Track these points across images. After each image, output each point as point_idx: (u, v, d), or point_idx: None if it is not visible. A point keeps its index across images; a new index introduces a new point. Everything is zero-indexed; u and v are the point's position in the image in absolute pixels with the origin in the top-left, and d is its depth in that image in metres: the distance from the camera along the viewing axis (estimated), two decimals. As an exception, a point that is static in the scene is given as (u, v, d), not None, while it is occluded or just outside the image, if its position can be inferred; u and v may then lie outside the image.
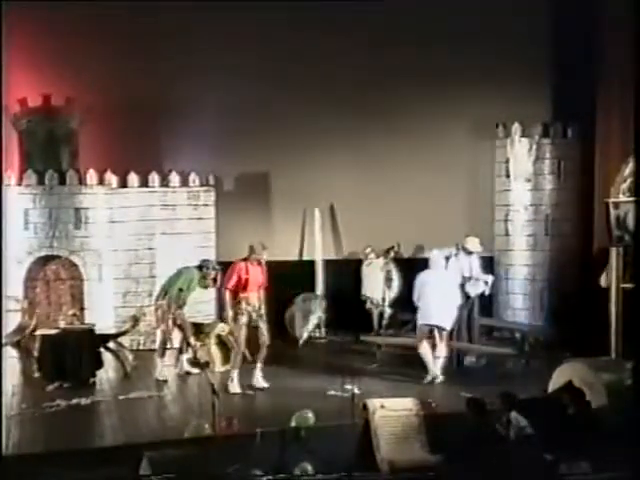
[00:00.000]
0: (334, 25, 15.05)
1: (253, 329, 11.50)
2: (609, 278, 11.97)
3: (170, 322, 12.29)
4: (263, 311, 11.60)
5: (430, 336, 11.93)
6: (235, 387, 11.31)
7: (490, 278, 12.98)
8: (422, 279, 12.02)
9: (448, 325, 11.96)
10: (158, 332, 12.70)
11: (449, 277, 12.19)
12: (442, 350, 11.91)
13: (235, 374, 11.37)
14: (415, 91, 15.48)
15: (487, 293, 12.93)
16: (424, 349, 11.85)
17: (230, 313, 11.39)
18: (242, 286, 11.38)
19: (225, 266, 13.02)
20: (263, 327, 11.56)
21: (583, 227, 15.20)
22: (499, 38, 15.39)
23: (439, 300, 11.83)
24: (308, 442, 8.81)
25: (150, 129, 14.65)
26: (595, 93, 14.83)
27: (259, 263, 11.54)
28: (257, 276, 11.50)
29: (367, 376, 11.62)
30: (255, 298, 11.49)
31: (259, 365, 11.56)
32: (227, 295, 11.41)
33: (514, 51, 15.41)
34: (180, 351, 12.54)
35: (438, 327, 11.91)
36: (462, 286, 12.55)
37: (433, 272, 12.05)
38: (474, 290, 12.70)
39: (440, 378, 11.77)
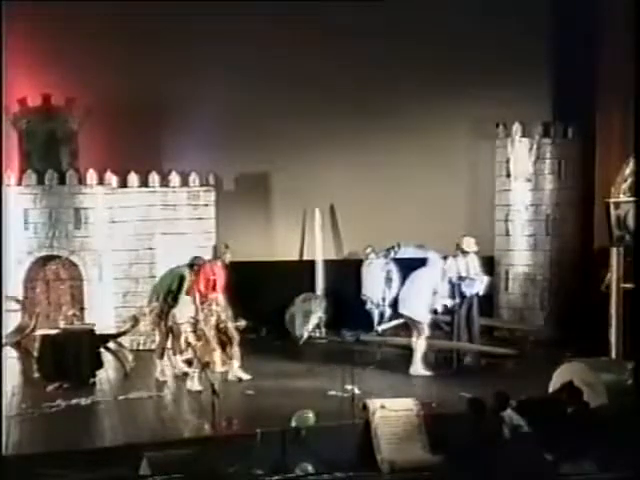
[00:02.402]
0: (334, 25, 15.05)
1: (222, 329, 11.86)
2: (609, 278, 11.98)
3: (165, 323, 12.28)
4: (230, 311, 11.93)
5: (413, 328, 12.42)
6: (195, 385, 11.38)
7: (485, 278, 13.01)
8: (411, 276, 12.62)
9: (420, 318, 12.29)
10: (157, 333, 12.68)
11: (431, 275, 12.39)
12: (420, 344, 12.26)
13: (197, 373, 11.47)
14: (415, 91, 15.49)
15: (482, 293, 12.96)
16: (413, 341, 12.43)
17: (201, 315, 11.68)
18: (211, 287, 11.71)
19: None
20: (231, 326, 11.90)
21: (583, 227, 15.19)
22: (499, 38, 15.40)
23: (415, 294, 12.33)
24: (308, 442, 8.80)
25: (150, 129, 14.64)
26: (595, 93, 14.83)
27: (224, 264, 11.87)
28: (222, 277, 11.84)
29: (367, 376, 11.60)
30: (222, 299, 11.83)
31: (235, 361, 11.89)
32: (197, 297, 11.70)
33: (514, 51, 15.40)
34: (174, 352, 12.50)
35: (412, 319, 12.38)
36: (458, 285, 12.65)
37: (422, 270, 12.46)
38: (470, 290, 12.77)
39: (422, 372, 12.09)
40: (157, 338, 12.60)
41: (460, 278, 12.66)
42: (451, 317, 12.92)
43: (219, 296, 11.80)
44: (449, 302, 12.61)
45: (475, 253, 12.94)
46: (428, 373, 12.18)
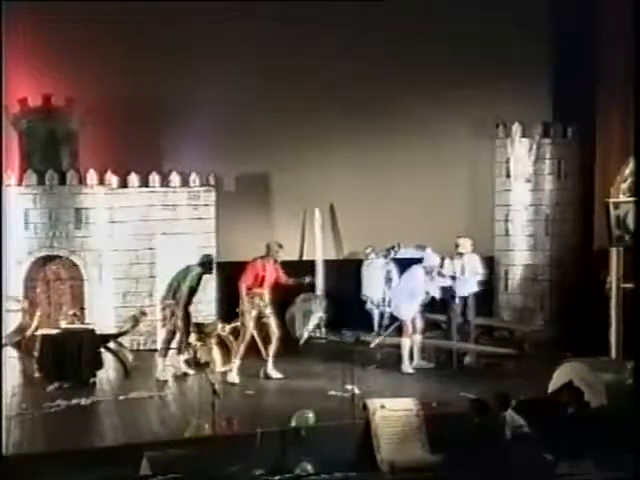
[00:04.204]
0: (334, 25, 15.05)
1: (264, 324, 12.12)
2: (609, 278, 11.99)
3: (179, 321, 12.27)
4: (272, 308, 12.20)
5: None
6: (234, 377, 11.71)
7: (478, 277, 13.08)
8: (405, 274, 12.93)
9: (403, 316, 12.53)
10: (162, 332, 12.65)
11: (416, 273, 12.52)
12: (405, 342, 12.44)
13: (236, 365, 11.84)
14: (415, 91, 15.48)
15: (466, 294, 12.98)
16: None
17: (243, 307, 11.95)
18: (258, 283, 11.99)
19: (225, 266, 13.20)
20: (273, 322, 12.18)
21: (583, 227, 15.19)
22: (499, 38, 15.39)
23: (400, 292, 12.72)
24: (308, 442, 8.81)
25: (150, 129, 14.63)
26: (595, 93, 14.82)
27: (275, 261, 12.16)
28: (272, 274, 12.11)
29: (367, 376, 11.61)
30: (267, 295, 12.10)
31: (271, 358, 12.14)
32: (243, 290, 11.93)
33: (514, 51, 15.41)
34: (179, 351, 12.51)
35: (397, 318, 12.74)
36: (451, 286, 12.77)
37: (410, 269, 12.68)
38: (462, 291, 12.87)
39: (409, 370, 12.29)
40: (162, 337, 12.59)
41: (452, 278, 12.75)
42: (447, 316, 13.02)
43: (265, 292, 12.04)
44: (437, 293, 12.69)
45: (472, 254, 13.01)
46: (411, 371, 12.31)
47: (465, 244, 12.97)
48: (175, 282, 12.42)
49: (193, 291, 12.35)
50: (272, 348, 12.14)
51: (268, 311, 12.10)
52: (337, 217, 16.05)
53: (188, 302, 12.32)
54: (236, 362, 11.87)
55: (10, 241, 13.55)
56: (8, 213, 13.41)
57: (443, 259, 12.80)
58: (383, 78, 15.32)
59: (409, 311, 12.49)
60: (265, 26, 14.80)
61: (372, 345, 13.50)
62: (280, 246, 12.29)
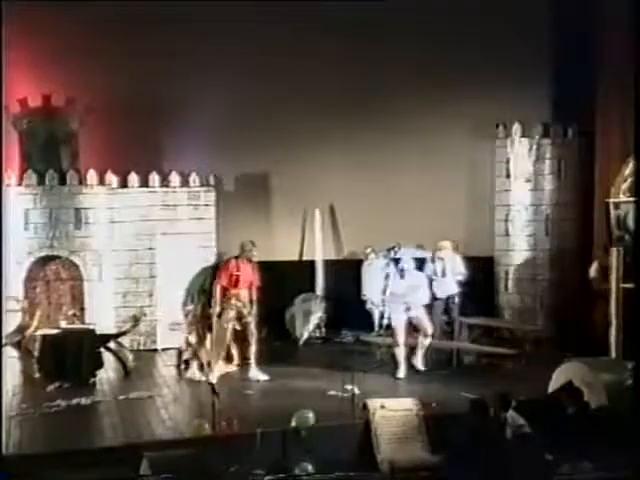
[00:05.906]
0: (334, 25, 15.05)
1: (242, 325, 11.95)
2: (609, 278, 12.00)
3: (204, 323, 12.25)
4: (254, 308, 11.98)
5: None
6: (214, 377, 11.52)
7: (459, 277, 13.19)
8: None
9: (393, 322, 12.13)
10: (190, 337, 12.54)
11: (395, 281, 12.42)
12: (400, 349, 12.11)
13: (216, 366, 11.75)
14: (415, 91, 15.48)
15: (449, 294, 13.09)
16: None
17: (217, 308, 11.80)
18: (233, 283, 11.83)
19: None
20: (252, 324, 11.98)
21: (583, 227, 15.18)
22: (499, 38, 15.39)
23: (389, 299, 12.41)
24: (308, 442, 8.81)
25: (150, 129, 14.65)
26: (595, 93, 14.82)
27: (250, 261, 11.95)
28: (248, 273, 11.92)
29: (367, 376, 11.60)
30: (245, 295, 11.91)
31: (253, 360, 11.96)
32: (218, 291, 11.80)
33: (514, 51, 15.40)
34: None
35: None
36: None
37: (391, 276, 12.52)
38: (441, 292, 13.03)
39: (400, 376, 11.97)
40: (192, 340, 12.53)
41: (430, 281, 12.89)
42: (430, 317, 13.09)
43: (241, 292, 11.89)
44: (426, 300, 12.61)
45: (454, 255, 13.10)
46: (402, 376, 12.02)
47: (446, 246, 13.06)
48: (191, 287, 12.43)
49: (208, 292, 12.22)
50: (252, 350, 11.97)
51: (246, 311, 11.93)
52: (337, 217, 16.06)
53: (206, 303, 12.24)
54: (219, 365, 11.75)
55: (10, 241, 13.54)
56: (8, 213, 13.41)
57: (424, 261, 12.84)
58: (383, 78, 15.33)
59: (397, 318, 12.16)
60: (265, 26, 14.81)
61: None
62: (254, 245, 12.02)
